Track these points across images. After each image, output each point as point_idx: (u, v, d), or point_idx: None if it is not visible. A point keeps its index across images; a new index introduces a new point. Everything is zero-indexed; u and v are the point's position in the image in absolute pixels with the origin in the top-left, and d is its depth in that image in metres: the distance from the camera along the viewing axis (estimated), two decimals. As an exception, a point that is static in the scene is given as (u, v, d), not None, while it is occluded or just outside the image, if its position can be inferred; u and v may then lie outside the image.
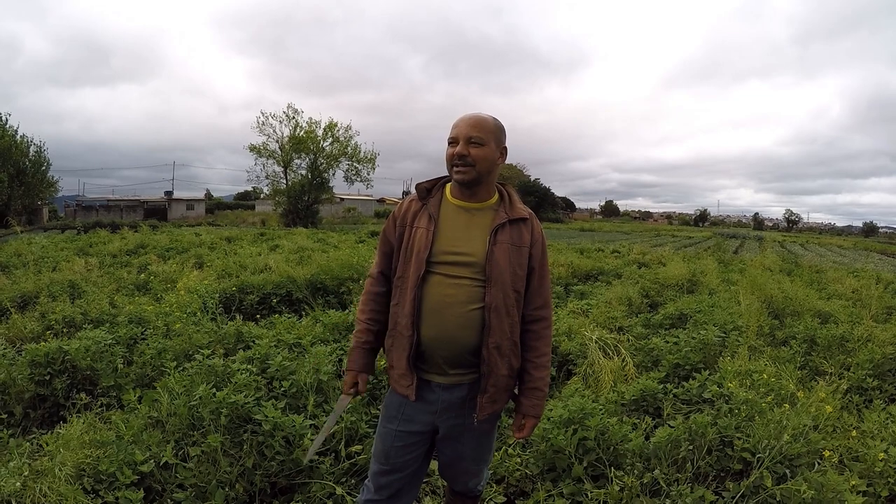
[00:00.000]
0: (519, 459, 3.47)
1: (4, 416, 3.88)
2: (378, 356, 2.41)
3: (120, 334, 4.87)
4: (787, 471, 3.03)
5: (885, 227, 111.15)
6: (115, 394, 4.08)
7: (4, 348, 4.37)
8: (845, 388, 4.45)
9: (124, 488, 2.77)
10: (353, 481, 3.20)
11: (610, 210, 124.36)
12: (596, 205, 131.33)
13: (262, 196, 56.95)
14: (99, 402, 3.94)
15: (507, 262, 2.12)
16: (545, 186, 77.88)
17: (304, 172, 41.63)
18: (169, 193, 62.94)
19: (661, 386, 4.11)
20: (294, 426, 3.12)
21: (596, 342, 5.01)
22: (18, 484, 2.72)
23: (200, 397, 3.18)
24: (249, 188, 71.74)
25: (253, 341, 4.62)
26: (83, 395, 3.90)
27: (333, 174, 42.30)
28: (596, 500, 3.03)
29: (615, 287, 8.98)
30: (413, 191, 2.30)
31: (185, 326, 5.03)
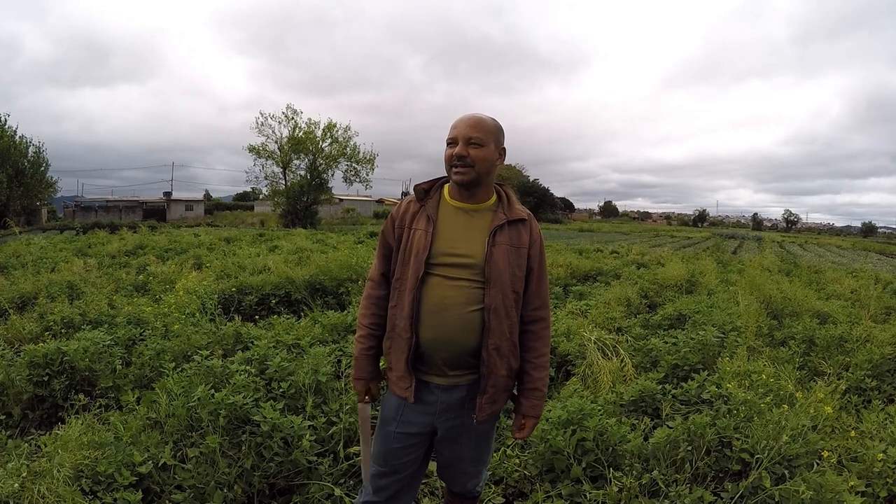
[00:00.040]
0: (517, 460, 3.47)
1: (3, 417, 3.88)
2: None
3: (118, 335, 4.87)
4: (786, 471, 3.03)
5: (884, 227, 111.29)
6: (113, 395, 4.08)
7: (3, 349, 4.37)
8: (844, 388, 4.46)
9: (123, 489, 2.77)
10: (351, 482, 3.20)
11: (609, 210, 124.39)
12: (595, 205, 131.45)
13: (260, 197, 56.95)
14: (97, 403, 3.94)
15: (506, 263, 2.12)
16: (544, 187, 77.93)
17: (303, 173, 41.63)
18: (168, 194, 62.94)
19: (660, 387, 4.11)
20: (293, 427, 3.12)
21: (595, 343, 5.01)
22: (17, 485, 2.72)
23: (199, 398, 3.17)
24: (248, 189, 71.88)
25: (251, 342, 4.62)
26: (81, 396, 3.90)
27: (332, 175, 42.32)
28: (594, 500, 3.03)
29: (614, 288, 8.98)
30: (412, 192, 2.30)
31: (184, 327, 5.02)
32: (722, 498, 3.00)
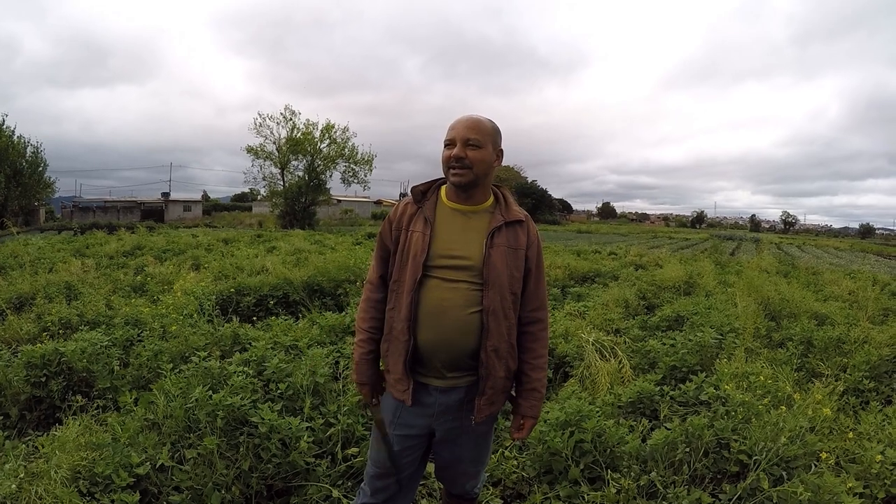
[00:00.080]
0: (515, 462, 3.47)
1: (0, 417, 3.87)
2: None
3: (116, 336, 4.87)
4: (784, 473, 3.03)
5: (882, 228, 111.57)
6: (111, 396, 4.07)
7: (0, 350, 4.36)
8: (842, 389, 4.46)
9: (120, 491, 2.76)
10: (349, 484, 3.19)
11: (607, 212, 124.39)
12: (593, 206, 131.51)
13: (259, 198, 56.92)
14: (95, 404, 3.93)
15: (504, 265, 2.12)
16: (542, 188, 77.98)
17: (301, 174, 41.65)
18: (166, 195, 62.93)
19: (658, 388, 4.11)
20: (290, 428, 3.12)
21: (593, 344, 5.02)
22: (14, 486, 2.71)
23: (197, 399, 3.17)
24: (246, 190, 71.76)
25: (249, 343, 4.62)
26: (79, 397, 3.89)
27: (330, 176, 42.36)
28: (592, 502, 3.03)
29: (612, 289, 8.99)
30: (410, 193, 2.29)
31: (182, 328, 5.02)
32: (720, 499, 3.00)
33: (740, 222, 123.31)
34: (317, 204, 43.04)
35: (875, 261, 27.37)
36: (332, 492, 3.03)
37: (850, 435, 3.54)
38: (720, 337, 5.25)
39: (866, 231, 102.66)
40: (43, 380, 4.06)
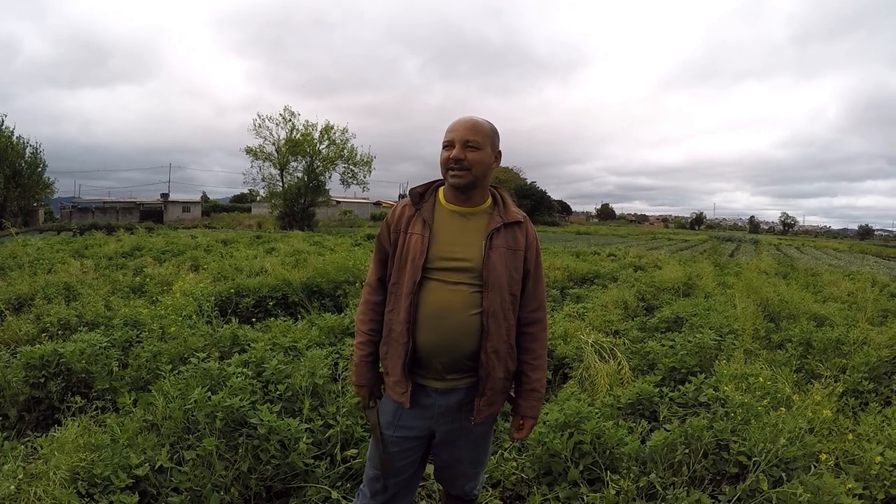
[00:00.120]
0: (515, 463, 3.47)
1: (-2, 419, 3.87)
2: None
3: (115, 337, 4.86)
4: (784, 474, 3.03)
5: (881, 229, 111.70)
6: (110, 397, 4.06)
7: (-1, 351, 4.35)
8: (841, 391, 4.46)
9: (119, 492, 2.76)
10: (348, 485, 3.19)
11: (606, 213, 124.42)
12: (592, 208, 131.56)
13: (258, 199, 56.92)
14: (94, 406, 3.92)
15: (503, 266, 2.12)
16: (541, 190, 78.03)
17: (300, 175, 41.61)
18: (165, 195, 62.97)
19: (657, 389, 4.11)
20: (289, 430, 3.12)
21: (592, 346, 5.02)
22: (13, 487, 2.71)
23: (196, 401, 3.17)
24: (246, 191, 71.82)
25: (248, 344, 4.61)
26: (78, 398, 3.88)
27: (330, 177, 42.32)
28: (592, 503, 3.03)
29: (611, 290, 8.99)
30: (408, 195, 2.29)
31: (181, 329, 5.01)
32: (719, 501, 3.00)
33: (739, 223, 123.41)
34: (316, 205, 43.01)
35: (874, 262, 27.41)
36: (331, 493, 3.03)
37: (850, 436, 3.54)
38: (719, 338, 5.25)
39: (865, 232, 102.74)
40: (42, 381, 4.05)
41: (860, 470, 3.25)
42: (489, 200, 2.24)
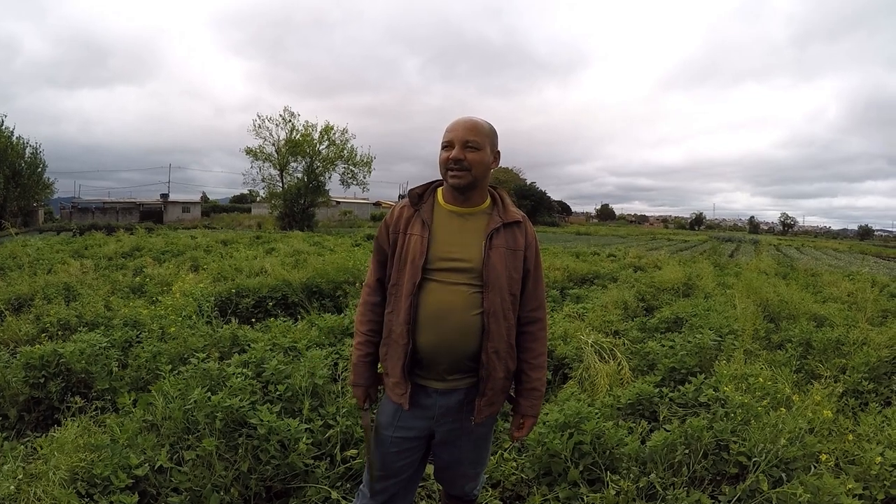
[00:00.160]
0: (515, 463, 3.47)
1: (-2, 419, 3.87)
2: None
3: (115, 337, 4.86)
4: (784, 474, 3.03)
5: (881, 230, 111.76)
6: (109, 397, 4.07)
7: (-2, 351, 4.35)
8: (841, 391, 4.46)
9: (119, 492, 2.76)
10: (348, 485, 3.19)
11: (606, 214, 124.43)
12: (592, 208, 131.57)
13: (258, 199, 56.94)
14: (93, 406, 3.92)
15: (503, 266, 2.12)
16: (541, 190, 78.06)
17: (300, 175, 41.62)
18: (165, 196, 62.95)
19: (657, 390, 4.11)
20: (289, 430, 3.11)
21: (592, 346, 5.02)
22: (13, 487, 2.71)
23: (195, 401, 3.17)
24: (245, 191, 71.85)
25: (248, 345, 4.61)
26: (78, 398, 3.88)
27: (329, 177, 42.33)
28: (592, 504, 3.03)
29: (611, 291, 8.99)
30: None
31: (181, 330, 5.01)
32: (719, 501, 3.00)
33: (739, 224, 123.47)
34: (316, 205, 43.02)
35: (874, 262, 27.41)
36: (331, 493, 3.03)
37: (850, 436, 3.54)
38: (719, 338, 5.25)
39: (865, 233, 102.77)
40: (41, 381, 4.05)
41: (860, 470, 3.25)
42: (488, 201, 2.24)
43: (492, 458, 3.41)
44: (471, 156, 2.09)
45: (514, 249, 2.16)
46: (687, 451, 3.22)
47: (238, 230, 35.96)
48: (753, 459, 3.08)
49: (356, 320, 2.35)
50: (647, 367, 5.08)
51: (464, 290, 2.09)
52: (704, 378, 4.16)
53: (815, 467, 3.11)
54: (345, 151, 41.51)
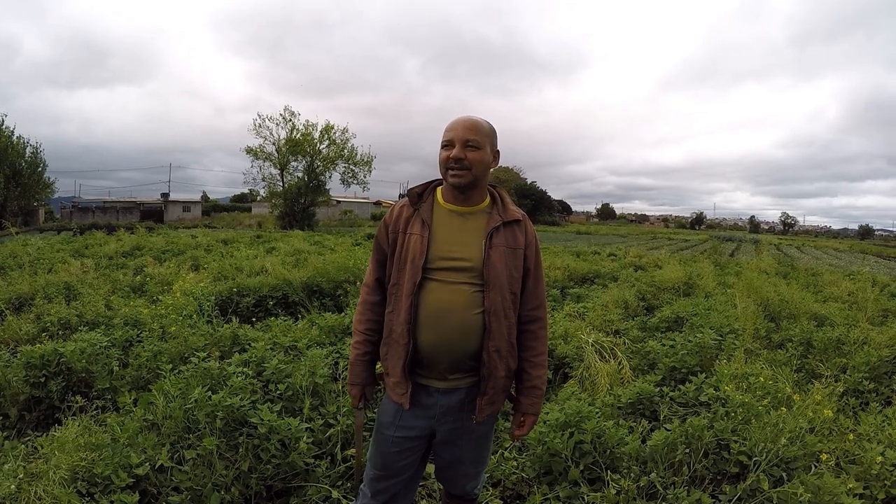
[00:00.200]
0: (515, 463, 3.47)
1: (-1, 418, 3.87)
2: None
3: (115, 336, 4.86)
4: (784, 474, 3.03)
5: (881, 229, 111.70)
6: (110, 396, 4.06)
7: (-1, 350, 4.36)
8: (841, 390, 4.46)
9: (119, 491, 2.76)
10: (348, 485, 3.19)
11: (606, 213, 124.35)
12: (592, 208, 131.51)
13: (258, 198, 56.92)
14: (94, 405, 3.92)
15: (503, 265, 2.12)
16: (542, 189, 78.03)
17: (300, 175, 41.61)
18: (165, 195, 62.94)
19: (658, 389, 4.11)
20: (290, 429, 3.12)
21: (592, 345, 5.01)
22: (13, 487, 2.71)
23: (196, 400, 3.17)
24: (246, 190, 71.78)
25: (249, 344, 4.61)
26: (78, 397, 3.88)
27: (330, 177, 42.32)
28: (592, 503, 3.03)
29: (611, 290, 8.99)
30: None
31: (181, 329, 5.01)
32: (720, 500, 3.00)
33: (739, 223, 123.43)
34: (316, 205, 43.02)
35: (874, 262, 27.40)
36: (331, 493, 3.03)
37: (850, 436, 3.54)
38: (720, 338, 5.25)
39: (865, 232, 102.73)
40: (42, 380, 4.05)
41: (861, 470, 3.25)
42: (487, 199, 2.24)
43: (492, 457, 3.41)
44: (471, 155, 2.09)
45: (514, 248, 2.16)
46: (687, 451, 3.22)
47: (238, 229, 35.97)
48: (754, 459, 3.08)
49: (354, 319, 2.35)
50: (647, 366, 5.08)
51: (464, 289, 2.09)
52: (705, 377, 4.16)
53: (816, 467, 3.11)
54: (345, 151, 41.52)
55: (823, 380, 4.71)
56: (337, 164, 41.73)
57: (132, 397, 3.50)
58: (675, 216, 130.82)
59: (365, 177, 42.56)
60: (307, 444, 3.16)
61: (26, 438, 3.66)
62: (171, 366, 3.97)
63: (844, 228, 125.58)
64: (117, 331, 5.06)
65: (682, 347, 4.97)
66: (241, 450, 3.03)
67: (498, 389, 2.19)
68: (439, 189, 2.25)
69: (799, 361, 5.34)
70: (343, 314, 6.05)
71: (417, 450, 2.26)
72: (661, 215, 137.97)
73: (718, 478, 3.20)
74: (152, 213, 54.79)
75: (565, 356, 5.11)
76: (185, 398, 3.27)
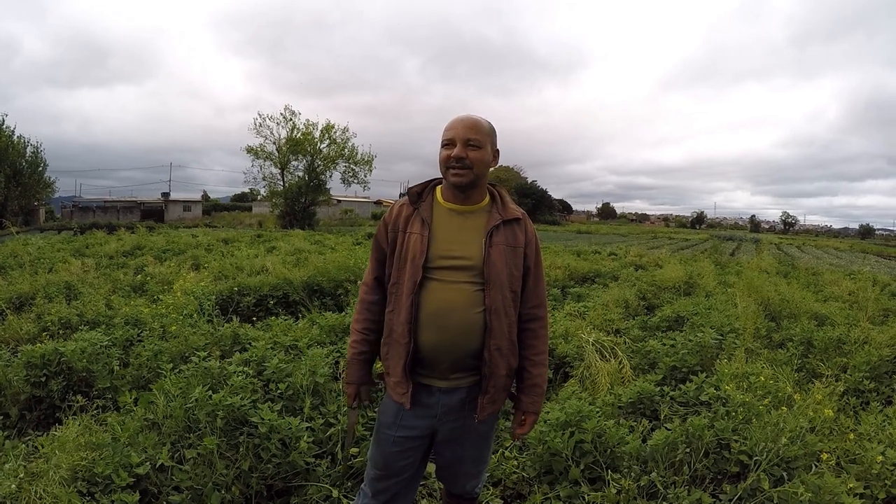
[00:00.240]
0: (516, 462, 3.47)
1: (0, 417, 3.87)
2: (376, 361, 2.41)
3: (116, 336, 4.86)
4: (785, 473, 3.03)
5: (882, 229, 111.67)
6: (111, 396, 4.06)
7: (0, 350, 4.36)
8: (842, 390, 4.46)
9: (120, 491, 2.76)
10: (349, 484, 3.19)
11: (607, 212, 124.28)
12: (593, 207, 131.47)
13: (259, 198, 56.97)
14: (95, 405, 3.92)
15: (503, 263, 2.12)
16: (542, 188, 77.99)
17: (301, 174, 41.65)
18: (166, 195, 62.95)
19: (658, 388, 4.11)
20: (290, 429, 3.11)
21: (593, 345, 5.01)
22: (14, 486, 2.71)
23: (196, 399, 3.17)
24: (246, 190, 71.80)
25: (249, 343, 4.62)
26: (79, 397, 3.89)
27: (330, 176, 42.38)
28: (593, 502, 3.03)
29: (612, 289, 8.98)
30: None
31: (182, 328, 5.01)
32: (720, 500, 3.00)
33: (740, 223, 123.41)
34: (317, 204, 43.05)
35: (875, 261, 27.38)
36: (332, 492, 3.03)
37: (851, 435, 3.54)
38: (720, 337, 5.25)
39: (866, 232, 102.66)
40: (43, 380, 4.05)
41: (861, 469, 3.25)
42: (487, 198, 2.24)
43: (493, 456, 3.41)
44: (472, 154, 2.09)
45: (514, 246, 2.16)
46: (688, 450, 3.22)
47: (239, 229, 35.97)
48: (754, 458, 3.08)
49: (353, 318, 2.35)
50: (648, 365, 5.08)
51: (465, 288, 2.09)
52: (706, 377, 4.16)
53: (817, 466, 3.11)
54: (346, 150, 41.56)
55: (824, 379, 4.71)
56: (337, 164, 41.79)
57: (133, 397, 3.50)
58: (676, 215, 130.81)
59: (365, 176, 42.66)
60: (308, 443, 3.16)
61: (27, 438, 3.66)
62: (171, 365, 3.97)
63: (845, 228, 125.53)
64: (118, 330, 5.06)
65: (682, 347, 4.97)
66: (241, 449, 3.03)
67: (499, 388, 2.19)
68: (439, 188, 2.25)
69: (799, 361, 5.34)
70: (344, 313, 6.04)
71: (419, 449, 2.26)
72: (662, 215, 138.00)
73: (719, 477, 3.20)
74: (153, 213, 54.82)
75: (566, 355, 5.11)
76: (186, 397, 3.27)
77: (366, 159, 42.22)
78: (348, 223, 52.39)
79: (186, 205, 62.30)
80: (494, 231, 2.13)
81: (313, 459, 3.18)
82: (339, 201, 62.55)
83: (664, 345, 5.21)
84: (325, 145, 41.26)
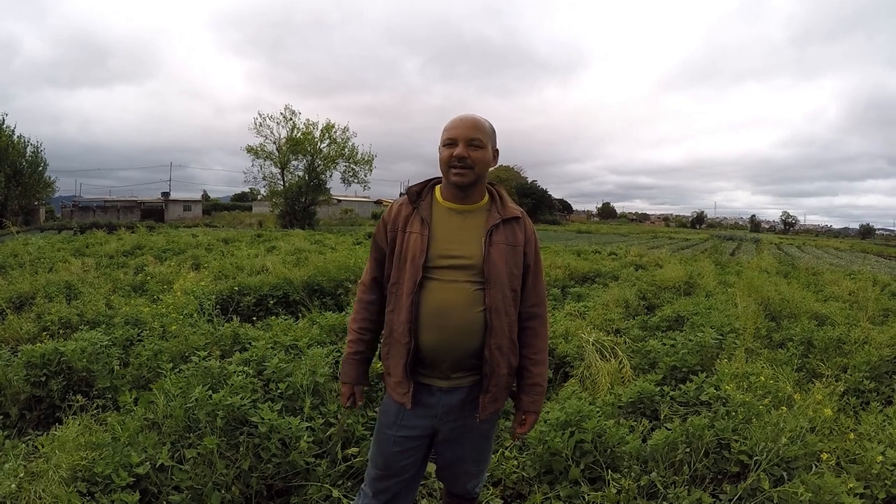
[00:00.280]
0: (516, 462, 3.47)
1: (0, 417, 3.87)
2: (374, 360, 2.41)
3: (116, 336, 4.86)
4: (785, 473, 3.03)
5: (882, 228, 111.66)
6: (111, 395, 4.06)
7: (0, 349, 4.36)
8: (842, 390, 4.46)
9: (120, 490, 2.76)
10: (349, 484, 3.19)
11: (607, 212, 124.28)
12: (593, 207, 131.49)
13: (259, 197, 56.98)
14: (95, 404, 3.92)
15: (503, 262, 2.12)
16: (542, 188, 77.97)
17: (301, 174, 41.66)
18: (166, 194, 62.97)
19: (658, 388, 4.11)
20: (290, 428, 3.11)
21: (593, 344, 5.01)
22: (14, 486, 2.71)
23: (197, 399, 3.16)
24: (246, 189, 71.84)
25: (249, 343, 4.61)
26: (79, 396, 3.88)
27: (330, 176, 42.39)
28: (593, 502, 3.03)
29: (612, 289, 8.98)
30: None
31: (182, 328, 5.01)
32: (720, 500, 3.00)
33: (740, 223, 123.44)
34: (317, 204, 43.06)
35: (875, 261, 27.37)
36: (332, 492, 3.03)
37: (851, 435, 3.54)
38: (720, 337, 5.25)
39: (866, 231, 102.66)
40: (43, 379, 4.05)
41: (861, 469, 3.25)
42: (486, 197, 2.24)
43: (493, 456, 3.41)
44: (474, 154, 2.09)
45: (513, 245, 2.16)
46: (688, 450, 3.22)
47: (239, 228, 35.96)
48: (755, 458, 3.08)
49: (350, 318, 2.36)
50: (648, 365, 5.07)
51: (465, 287, 2.09)
52: (706, 377, 4.16)
53: (817, 466, 3.11)
54: (346, 149, 41.57)
55: (824, 379, 4.71)
56: (337, 163, 41.80)
57: (133, 396, 3.50)
58: (676, 215, 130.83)
59: (365, 176, 42.66)
60: (308, 443, 3.16)
61: (27, 437, 3.66)
62: (171, 365, 3.97)
63: (845, 228, 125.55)
64: (118, 330, 5.06)
65: (682, 346, 4.97)
66: (241, 449, 3.02)
67: (500, 387, 2.18)
68: (438, 187, 2.25)
69: (800, 361, 5.34)
70: (344, 313, 6.04)
71: (419, 449, 2.26)
72: (662, 214, 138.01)
73: (719, 477, 3.20)
74: (153, 212, 54.82)
75: (566, 355, 5.10)
76: (186, 397, 3.27)
77: (366, 159, 42.26)
78: (348, 223, 52.40)
79: (186, 204, 62.32)
80: (494, 230, 2.13)
81: (313, 459, 3.18)
82: (340, 201, 62.56)
83: (664, 345, 5.21)
84: (325, 145, 41.32)
